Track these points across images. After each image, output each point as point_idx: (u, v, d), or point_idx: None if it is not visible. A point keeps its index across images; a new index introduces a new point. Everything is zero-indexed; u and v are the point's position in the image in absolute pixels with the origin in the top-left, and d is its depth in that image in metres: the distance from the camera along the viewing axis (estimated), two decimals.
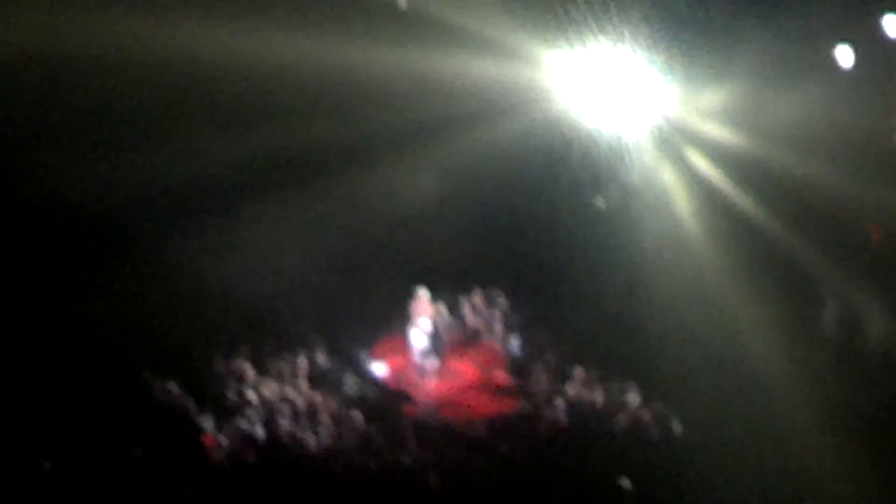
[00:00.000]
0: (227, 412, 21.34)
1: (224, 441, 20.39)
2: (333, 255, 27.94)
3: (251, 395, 21.78)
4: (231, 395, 22.06)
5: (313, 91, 28.69)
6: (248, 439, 20.70)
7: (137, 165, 26.84)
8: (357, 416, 21.55)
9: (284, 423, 21.07)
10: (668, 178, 29.09)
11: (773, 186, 27.89)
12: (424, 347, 24.49)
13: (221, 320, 24.96)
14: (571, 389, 22.61)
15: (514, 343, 25.57)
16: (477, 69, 28.57)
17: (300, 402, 21.83)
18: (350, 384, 23.40)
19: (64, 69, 25.71)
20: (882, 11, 28.36)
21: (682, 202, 28.45)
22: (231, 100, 28.50)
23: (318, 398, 22.06)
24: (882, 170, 28.40)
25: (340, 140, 28.97)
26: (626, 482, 19.85)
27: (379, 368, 24.66)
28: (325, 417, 21.44)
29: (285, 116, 28.56)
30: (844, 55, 29.04)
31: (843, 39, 28.84)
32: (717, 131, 29.31)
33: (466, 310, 26.73)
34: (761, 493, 18.99)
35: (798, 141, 27.90)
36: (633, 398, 21.99)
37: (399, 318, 25.54)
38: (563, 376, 23.31)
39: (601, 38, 28.54)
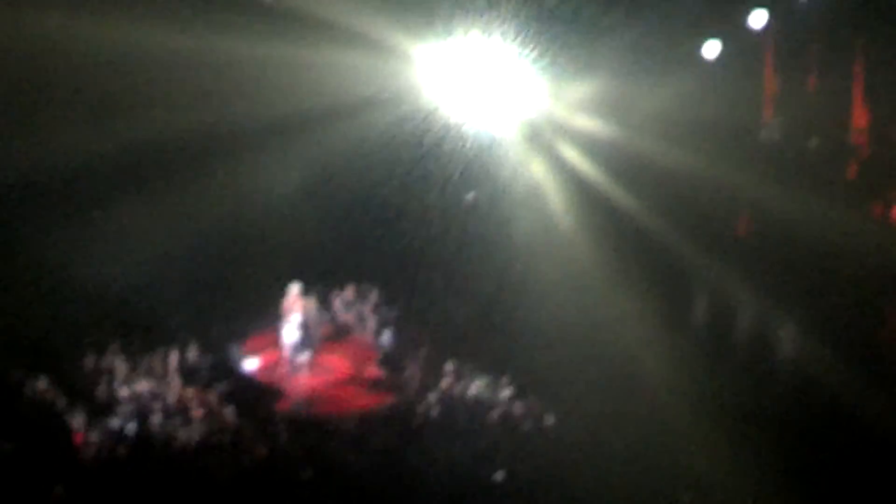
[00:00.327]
0: (97, 409, 21.04)
1: (94, 438, 20.12)
2: (203, 250, 27.67)
3: (122, 392, 21.52)
4: (101, 392, 21.76)
5: (179, 83, 28.40)
6: (119, 436, 20.45)
7: None
8: (229, 411, 21.44)
9: (156, 420, 20.86)
10: (539, 172, 29.42)
11: (643, 179, 28.45)
12: (296, 342, 24.42)
13: (90, 315, 24.62)
14: (443, 383, 22.71)
15: (386, 337, 25.64)
16: (346, 63, 28.55)
17: (171, 398, 21.64)
18: (222, 379, 23.26)
19: None
20: (750, 7, 29.19)
21: (553, 196, 28.80)
22: (97, 90, 28.08)
23: (189, 394, 21.88)
24: (749, 161, 29.17)
25: (207, 133, 28.75)
26: (498, 475, 20.08)
27: (251, 363, 24.57)
28: (196, 413, 21.27)
29: (150, 108, 28.25)
30: (711, 48, 29.82)
31: (711, 33, 29.60)
32: (587, 124, 29.79)
33: (338, 305, 26.77)
34: (634, 486, 19.27)
35: (668, 133, 28.52)
36: (506, 392, 22.17)
37: (271, 313, 25.45)
38: (435, 370, 23.41)
39: (471, 31, 28.77)
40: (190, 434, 20.54)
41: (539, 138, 30.05)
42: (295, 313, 24.57)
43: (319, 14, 28.16)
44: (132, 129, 27.43)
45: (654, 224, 27.62)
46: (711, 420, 20.88)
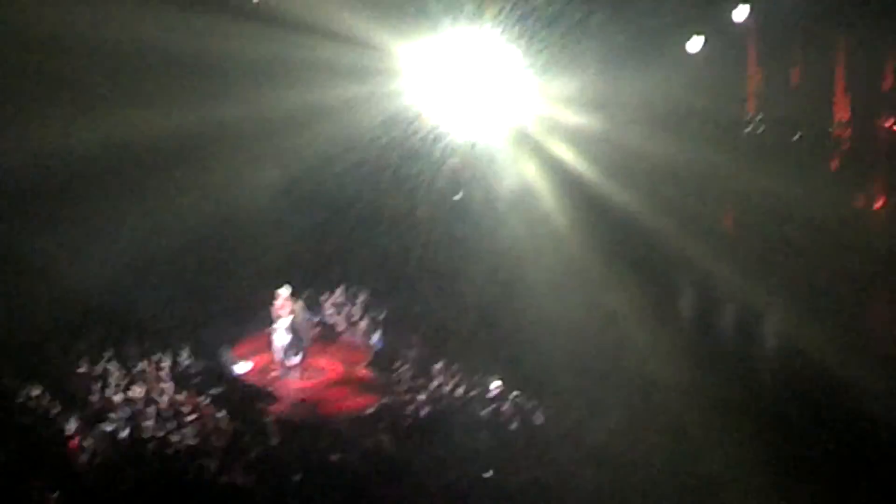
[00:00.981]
0: (90, 414, 21.20)
1: (88, 443, 20.25)
2: (192, 253, 27.92)
3: (115, 397, 21.68)
4: (94, 397, 21.92)
5: (166, 83, 28.61)
6: (113, 441, 20.59)
7: None
8: (221, 415, 21.62)
9: (149, 425, 21.02)
10: (528, 169, 29.57)
11: (631, 174, 28.61)
12: (287, 345, 24.55)
13: (82, 321, 24.83)
14: (433, 383, 22.91)
15: (376, 339, 25.81)
16: (333, 63, 28.72)
17: (164, 403, 21.82)
18: (214, 384, 23.44)
19: None
20: (732, 2, 29.38)
21: (541, 193, 28.95)
22: (83, 90, 28.20)
23: (182, 398, 22.06)
24: (734, 154, 29.35)
25: (194, 133, 28.90)
26: (489, 474, 20.24)
27: (242, 367, 24.73)
28: (190, 417, 21.45)
29: (138, 107, 28.40)
30: (695, 43, 30.00)
31: (695, 29, 29.78)
32: (574, 121, 29.89)
33: (327, 307, 26.93)
34: (626, 483, 19.48)
35: (654, 129, 28.64)
36: (495, 391, 22.36)
37: (261, 316, 25.62)
38: (425, 371, 23.60)
39: (458, 30, 28.94)
40: (183, 438, 20.69)
41: (527, 136, 30.20)
42: (285, 316, 24.68)
43: (305, 13, 28.29)
44: (120, 129, 27.57)
45: (644, 218, 27.78)
46: (706, 413, 21.06)
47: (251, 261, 28.32)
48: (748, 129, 32.44)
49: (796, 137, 31.26)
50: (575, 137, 30.45)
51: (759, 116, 31.98)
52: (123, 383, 22.47)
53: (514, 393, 22.22)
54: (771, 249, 28.43)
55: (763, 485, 19.05)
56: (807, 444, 20.43)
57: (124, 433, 20.76)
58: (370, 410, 22.83)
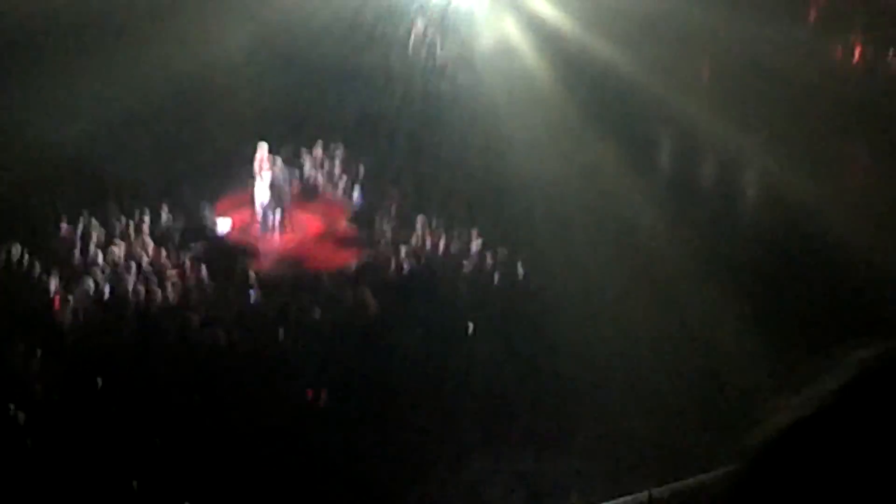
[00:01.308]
0: (72, 273, 21.18)
1: (70, 302, 20.29)
2: (171, 110, 27.64)
3: (96, 256, 21.64)
4: (75, 256, 21.88)
5: None
6: (95, 300, 20.64)
7: None
8: (202, 272, 21.64)
9: (130, 283, 21.03)
10: (506, 21, 29.29)
11: (612, 28, 28.32)
12: (267, 202, 24.48)
13: (61, 179, 24.65)
14: (414, 238, 22.92)
15: (356, 195, 25.72)
16: None
17: (145, 260, 21.81)
18: (194, 241, 23.40)
19: None
20: None
21: (520, 48, 28.72)
22: None
23: (163, 255, 22.04)
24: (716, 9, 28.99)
25: None
26: (470, 326, 20.40)
27: (223, 224, 24.66)
28: (170, 274, 21.47)
29: None
30: None
31: None
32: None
33: (307, 163, 26.77)
34: (604, 335, 19.63)
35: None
36: (477, 245, 22.38)
37: (241, 173, 25.49)
38: (405, 224, 23.58)
39: None
40: (164, 296, 20.74)
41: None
42: (265, 173, 24.56)
43: None
44: None
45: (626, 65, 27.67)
46: (694, 270, 21.21)
47: (229, 117, 28.01)
48: None
49: None
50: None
51: None
52: (103, 242, 22.36)
53: (492, 249, 22.20)
54: (750, 102, 28.22)
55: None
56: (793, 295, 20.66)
57: (106, 292, 20.76)
58: (352, 266, 22.85)
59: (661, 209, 23.90)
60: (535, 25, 29.45)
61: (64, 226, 22.75)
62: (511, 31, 29.52)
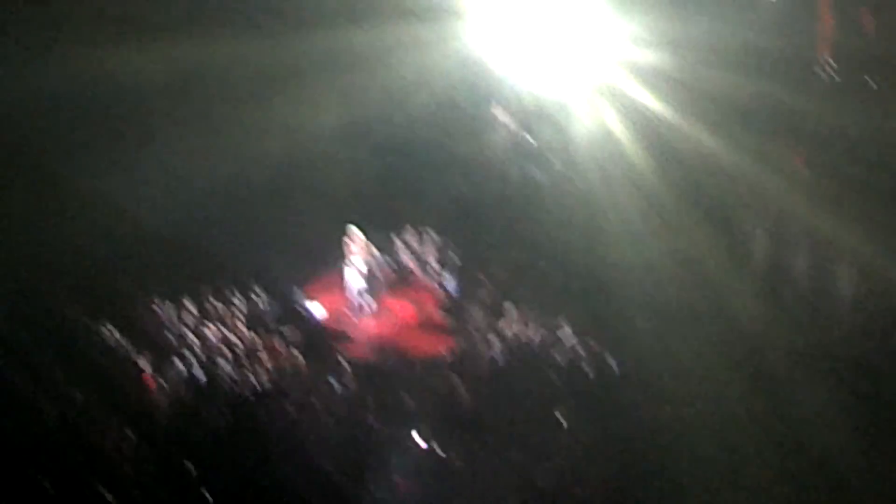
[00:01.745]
0: (164, 354, 21.23)
1: (162, 383, 20.32)
2: (267, 193, 27.88)
3: (189, 337, 21.69)
4: (169, 337, 21.95)
5: (224, 14, 28.61)
6: (187, 381, 20.65)
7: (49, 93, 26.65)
8: (295, 356, 21.60)
9: (223, 364, 21.03)
10: (600, 110, 29.21)
11: (707, 116, 28.15)
12: (360, 287, 24.47)
13: (156, 259, 24.85)
14: (506, 327, 22.74)
15: (449, 281, 25.64)
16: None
17: (238, 343, 21.82)
18: (287, 324, 23.40)
19: None
20: None
21: (614, 134, 28.62)
22: (138, 20, 28.22)
23: (255, 339, 22.05)
24: (808, 99, 28.79)
25: (263, 65, 28.90)
26: (561, 417, 20.14)
27: (315, 308, 24.66)
28: (263, 358, 21.45)
29: (197, 36, 28.40)
30: None
31: None
32: (646, 60, 29.45)
33: (399, 248, 26.78)
34: (701, 427, 19.30)
35: (733, 70, 28.15)
36: (568, 335, 22.15)
37: (334, 257, 25.54)
38: (497, 313, 23.42)
39: None
40: (257, 379, 20.70)
41: (598, 76, 29.83)
42: (357, 257, 24.58)
43: None
44: (189, 62, 27.63)
45: (716, 160, 27.41)
46: (787, 359, 20.82)
47: (322, 201, 28.17)
48: (819, 70, 31.91)
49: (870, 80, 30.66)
50: (646, 77, 30.06)
51: (833, 58, 31.39)
52: (197, 323, 22.44)
53: (587, 338, 21.97)
54: (846, 191, 27.89)
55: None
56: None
57: (198, 373, 20.77)
58: (443, 354, 22.71)
59: (759, 298, 23.51)
60: (630, 113, 29.34)
61: (156, 306, 22.84)
62: (607, 118, 29.43)
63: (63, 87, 26.27)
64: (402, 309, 25.02)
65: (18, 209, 24.74)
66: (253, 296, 24.10)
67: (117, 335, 21.51)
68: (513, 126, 30.62)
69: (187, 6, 28.63)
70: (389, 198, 28.95)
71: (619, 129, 28.71)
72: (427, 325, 24.40)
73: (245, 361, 21.26)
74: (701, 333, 21.94)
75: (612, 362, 21.46)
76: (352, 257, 24.66)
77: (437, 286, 25.76)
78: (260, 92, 28.77)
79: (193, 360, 21.05)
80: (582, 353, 21.66)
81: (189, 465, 18.30)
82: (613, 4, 28.86)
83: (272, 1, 28.77)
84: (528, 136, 30.83)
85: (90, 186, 26.10)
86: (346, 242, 24.89)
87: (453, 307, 24.76)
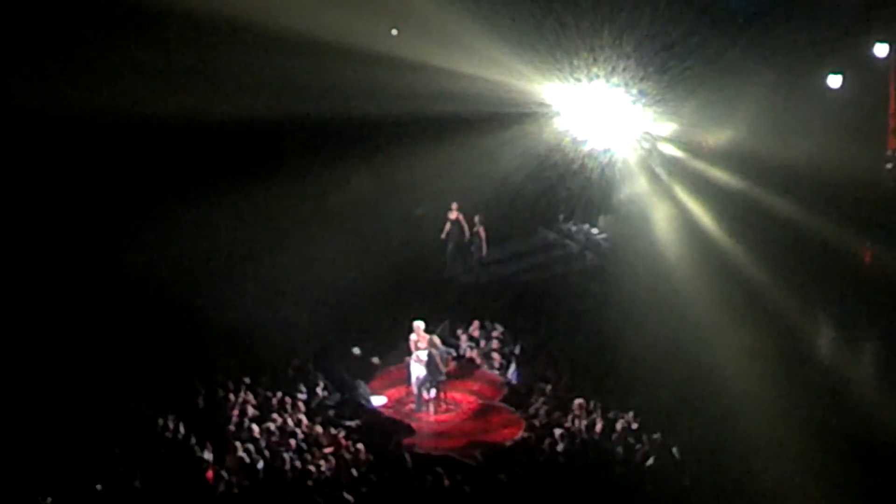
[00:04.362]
0: (227, 445, 21.30)
1: (226, 475, 20.36)
2: (327, 284, 28.20)
3: (252, 428, 21.75)
4: (232, 428, 22.03)
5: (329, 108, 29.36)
6: (250, 472, 20.67)
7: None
8: (358, 447, 21.59)
9: (286, 456, 21.05)
10: (665, 205, 29.31)
11: (766, 210, 28.19)
12: (423, 378, 24.48)
13: (220, 350, 25.07)
14: (570, 419, 22.63)
15: (512, 373, 25.61)
16: (468, 100, 29.12)
17: (301, 435, 21.86)
18: (350, 416, 23.46)
19: None
20: (872, 39, 28.97)
21: (678, 229, 28.65)
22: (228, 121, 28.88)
23: (319, 430, 22.08)
24: (871, 193, 28.79)
25: (325, 165, 29.46)
26: None
27: (378, 400, 24.71)
28: (327, 449, 21.46)
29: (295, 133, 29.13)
30: (835, 80, 29.66)
31: (835, 64, 29.44)
32: (712, 156, 29.65)
33: (463, 340, 26.83)
34: None
35: (792, 166, 28.23)
36: (632, 427, 22.00)
37: (397, 348, 25.76)
38: (561, 406, 23.33)
39: (596, 63, 29.08)
40: (320, 471, 20.68)
41: (666, 166, 30.07)
42: (421, 349, 24.64)
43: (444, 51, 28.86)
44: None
45: (779, 257, 27.33)
46: (827, 451, 20.54)
47: (385, 293, 28.44)
48: (890, 167, 31.91)
49: None
50: (711, 172, 30.24)
51: None
52: (260, 414, 22.52)
53: (651, 431, 21.79)
54: None
55: None
56: None
57: (261, 464, 20.82)
58: (506, 445, 22.63)
59: (820, 394, 23.26)
60: (697, 197, 29.53)
61: (221, 396, 22.97)
62: (672, 203, 29.61)
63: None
64: (465, 401, 24.98)
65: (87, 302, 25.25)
66: (316, 387, 24.21)
67: (181, 427, 21.62)
68: (576, 216, 30.97)
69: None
70: (455, 290, 29.27)
71: (685, 216, 28.81)
72: (489, 418, 24.30)
73: (308, 453, 21.25)
74: (768, 428, 21.74)
75: (677, 454, 21.24)
76: (416, 348, 24.68)
77: (500, 378, 25.71)
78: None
79: (256, 452, 21.05)
80: (647, 445, 21.46)
81: None
82: (681, 100, 29.33)
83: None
84: (594, 230, 31.07)
85: (160, 284, 26.53)
86: (410, 334, 24.92)
87: (516, 399, 24.64)
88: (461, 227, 30.76)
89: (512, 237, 32.50)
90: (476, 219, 30.51)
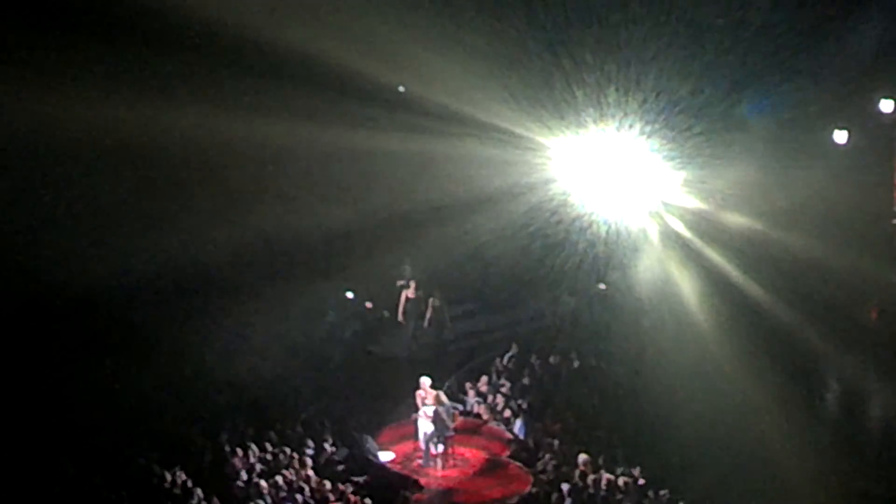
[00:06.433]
0: (235, 501, 21.31)
1: None
2: (332, 343, 28.36)
3: (260, 483, 21.74)
4: (238, 484, 22.02)
5: (314, 176, 29.37)
6: None
7: (137, 249, 27.31)
8: (367, 502, 21.59)
9: None
10: (671, 260, 29.38)
11: (772, 266, 28.21)
12: (430, 433, 24.47)
13: (225, 407, 25.11)
14: (577, 473, 22.60)
15: (519, 428, 25.59)
16: (481, 155, 29.27)
17: (308, 491, 21.85)
18: (357, 472, 23.43)
19: (62, 151, 26.14)
20: (878, 95, 29.11)
21: (684, 284, 28.69)
22: (232, 184, 28.98)
23: (326, 486, 22.06)
24: (880, 249, 28.83)
25: (334, 225, 29.52)
26: None
27: (386, 455, 24.70)
28: None
29: (285, 198, 29.14)
30: (841, 136, 29.79)
31: (840, 120, 29.56)
32: (718, 213, 29.72)
33: (471, 396, 26.85)
34: None
35: (798, 221, 28.30)
36: (639, 482, 21.98)
37: (404, 404, 25.79)
38: (568, 461, 23.31)
39: (602, 123, 29.22)
40: None
41: (671, 226, 30.12)
42: (428, 404, 24.64)
43: (455, 107, 28.98)
44: (265, 221, 28.34)
45: (784, 311, 27.35)
46: None
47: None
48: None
49: None
50: (717, 228, 30.29)
51: None
52: (267, 470, 22.51)
53: (658, 487, 21.77)
54: None
55: None
56: None
57: None
58: (514, 501, 22.59)
59: (825, 451, 23.22)
60: (699, 259, 29.57)
61: (228, 452, 22.97)
62: (676, 264, 29.64)
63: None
64: (473, 456, 24.96)
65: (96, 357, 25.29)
66: (324, 444, 24.20)
67: (189, 484, 21.62)
68: (587, 274, 31.01)
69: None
70: (463, 346, 29.33)
71: (687, 277, 28.85)
72: (497, 473, 24.27)
73: None
74: (778, 485, 21.73)
75: None
76: (423, 404, 24.69)
77: (506, 433, 25.69)
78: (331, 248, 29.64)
79: None
80: (654, 501, 21.43)
81: None
82: (685, 157, 29.44)
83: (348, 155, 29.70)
84: (601, 284, 31.12)
85: (168, 339, 26.61)
86: (417, 390, 24.94)
87: (523, 454, 24.61)
88: (419, 305, 29.93)
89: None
90: (430, 300, 29.82)
